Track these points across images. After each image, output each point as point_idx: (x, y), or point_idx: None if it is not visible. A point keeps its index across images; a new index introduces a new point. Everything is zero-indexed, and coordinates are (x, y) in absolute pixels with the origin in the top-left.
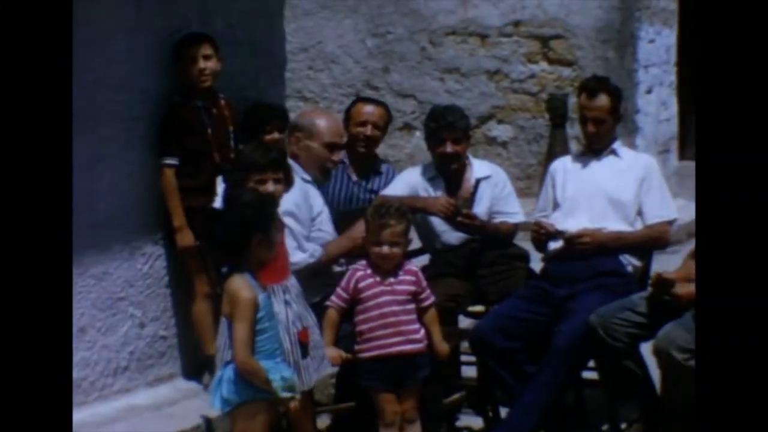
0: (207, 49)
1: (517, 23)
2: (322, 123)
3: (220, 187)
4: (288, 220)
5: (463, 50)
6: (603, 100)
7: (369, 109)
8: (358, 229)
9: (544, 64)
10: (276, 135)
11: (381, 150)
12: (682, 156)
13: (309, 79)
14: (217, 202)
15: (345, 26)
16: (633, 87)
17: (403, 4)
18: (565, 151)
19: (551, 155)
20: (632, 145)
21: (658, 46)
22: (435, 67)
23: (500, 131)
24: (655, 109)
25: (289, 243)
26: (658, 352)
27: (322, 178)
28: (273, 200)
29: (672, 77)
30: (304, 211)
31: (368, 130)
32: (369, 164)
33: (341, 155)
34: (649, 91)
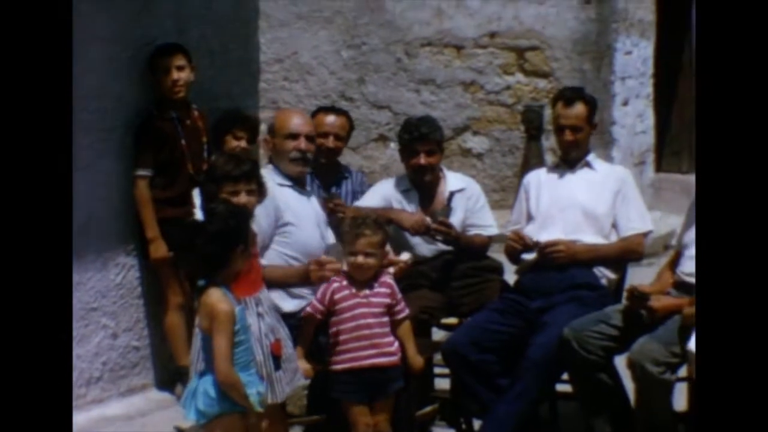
0: (180, 60)
1: (492, 34)
2: (280, 118)
3: (197, 198)
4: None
5: (439, 61)
6: (580, 108)
7: (330, 119)
8: (310, 268)
9: (519, 76)
10: (243, 144)
11: (356, 161)
12: (659, 168)
13: (284, 89)
14: (198, 214)
15: (320, 37)
16: (609, 99)
17: (379, 15)
18: (541, 163)
19: (526, 167)
20: (608, 157)
21: (634, 58)
22: (410, 78)
23: (475, 143)
24: (631, 121)
25: None
26: (632, 365)
27: (298, 172)
28: (248, 212)
29: (649, 89)
30: (263, 219)
31: (330, 141)
32: (333, 173)
33: (307, 144)
34: (625, 103)
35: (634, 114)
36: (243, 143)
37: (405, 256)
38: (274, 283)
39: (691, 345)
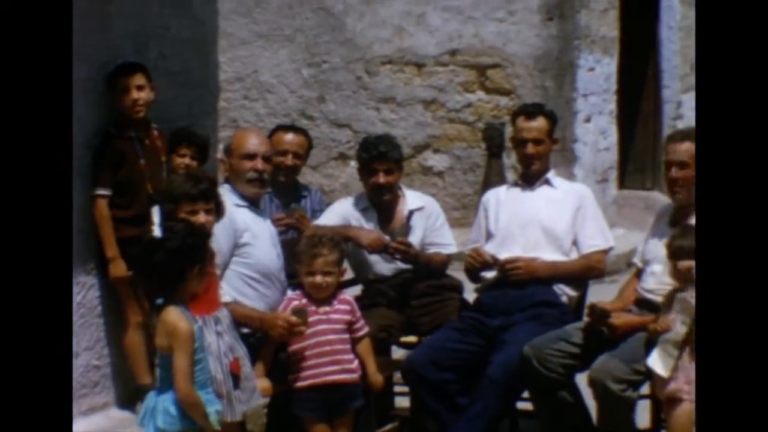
0: (140, 80)
1: (453, 52)
2: (237, 138)
3: (156, 217)
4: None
5: (399, 79)
6: (541, 121)
7: (289, 137)
8: (274, 314)
9: (480, 94)
10: (186, 161)
11: (316, 179)
12: (622, 185)
13: (245, 108)
14: (156, 232)
15: (281, 55)
16: (571, 116)
17: (339, 34)
18: (502, 180)
19: (487, 185)
20: (570, 175)
21: (597, 75)
22: (370, 96)
23: (436, 161)
24: (594, 138)
25: None
26: (593, 383)
27: (255, 192)
28: (207, 231)
29: (612, 106)
30: (223, 239)
31: (288, 159)
32: (292, 191)
33: (264, 165)
34: (588, 120)
35: (596, 131)
36: (186, 160)
37: None
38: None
39: (650, 362)
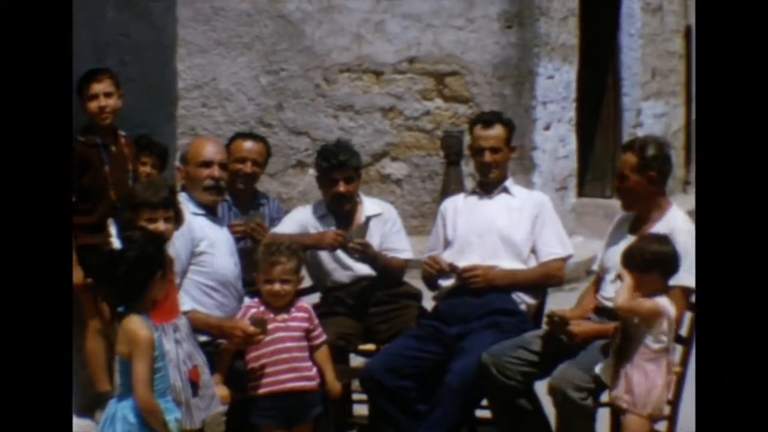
0: (108, 86)
1: (411, 60)
2: (193, 146)
3: (112, 227)
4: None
5: (357, 87)
6: (498, 129)
7: (248, 145)
8: (233, 322)
9: (439, 101)
10: (147, 169)
11: (274, 187)
12: (581, 193)
13: (203, 116)
14: (115, 244)
15: (239, 63)
16: (530, 123)
17: (297, 42)
18: (460, 188)
19: (446, 193)
20: (529, 182)
21: (556, 82)
22: (329, 104)
23: (394, 169)
24: (553, 146)
25: None
26: (553, 391)
27: (211, 200)
28: (165, 239)
29: (571, 113)
30: (182, 247)
31: (247, 167)
32: (250, 199)
33: (220, 172)
34: (547, 128)
35: (556, 138)
36: (148, 168)
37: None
38: (193, 328)
39: (597, 370)
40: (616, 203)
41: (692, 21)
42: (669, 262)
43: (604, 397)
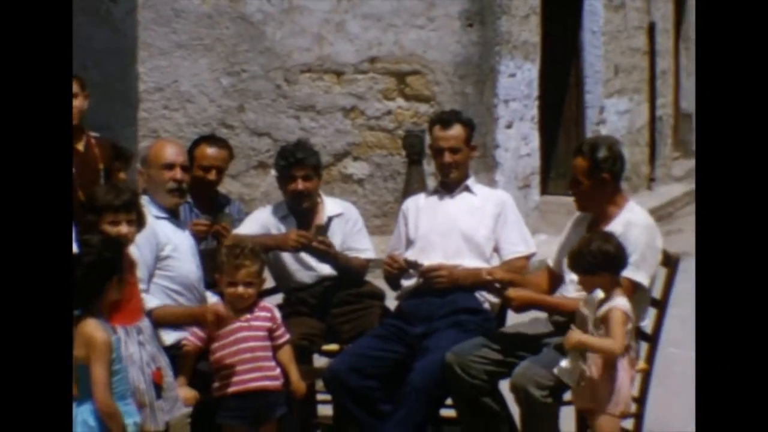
0: (74, 87)
1: (373, 60)
2: (155, 148)
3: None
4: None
5: (319, 87)
6: (457, 129)
7: (212, 152)
8: (202, 308)
9: (400, 101)
10: (122, 175)
11: (236, 188)
12: (544, 191)
13: (165, 118)
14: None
15: (200, 65)
16: (492, 122)
17: (258, 43)
18: (423, 187)
19: (408, 192)
20: (492, 181)
21: (519, 81)
22: (290, 104)
23: (356, 168)
24: (515, 144)
25: None
26: (515, 389)
27: (174, 203)
28: (126, 241)
29: (534, 111)
30: (147, 251)
31: (212, 174)
32: (213, 201)
33: (183, 174)
34: (509, 126)
35: (518, 137)
36: (120, 173)
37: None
38: (164, 324)
39: (557, 371)
40: None
41: (656, 17)
42: (615, 259)
43: (568, 396)
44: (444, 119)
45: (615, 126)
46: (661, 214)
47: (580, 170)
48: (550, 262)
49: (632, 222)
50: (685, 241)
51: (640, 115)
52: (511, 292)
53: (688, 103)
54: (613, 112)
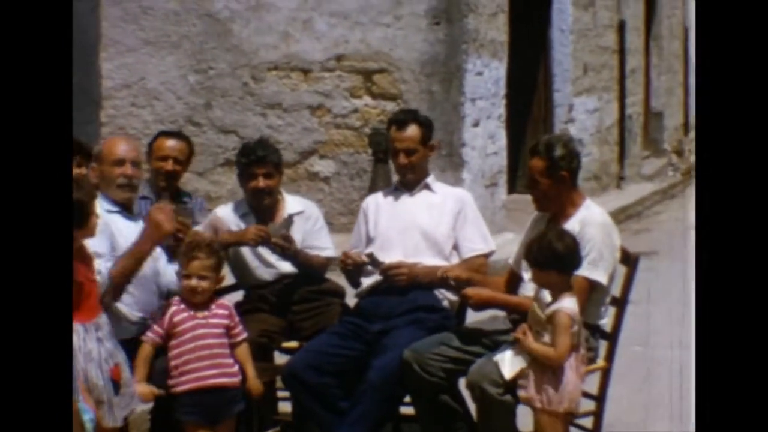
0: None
1: (339, 57)
2: (105, 145)
3: None
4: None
5: (285, 85)
6: (412, 130)
7: (170, 143)
8: (141, 244)
9: (367, 99)
10: (83, 170)
11: (203, 186)
12: (512, 189)
13: (132, 116)
14: None
15: (167, 62)
16: (459, 120)
17: (225, 40)
18: (389, 185)
19: (374, 190)
20: (459, 179)
21: (486, 79)
22: (257, 102)
23: (323, 166)
24: (482, 143)
25: None
26: (470, 386)
27: (125, 198)
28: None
29: (501, 110)
30: (100, 244)
31: (169, 164)
32: (173, 198)
33: (134, 170)
34: (476, 125)
35: (485, 135)
36: (84, 170)
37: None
38: (130, 272)
39: (497, 358)
40: None
41: (626, 15)
42: (563, 259)
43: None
44: (399, 120)
45: (584, 125)
46: (630, 213)
47: (538, 170)
48: (510, 261)
49: (588, 220)
50: (654, 240)
51: (610, 114)
52: (469, 291)
53: (658, 102)
54: (582, 111)
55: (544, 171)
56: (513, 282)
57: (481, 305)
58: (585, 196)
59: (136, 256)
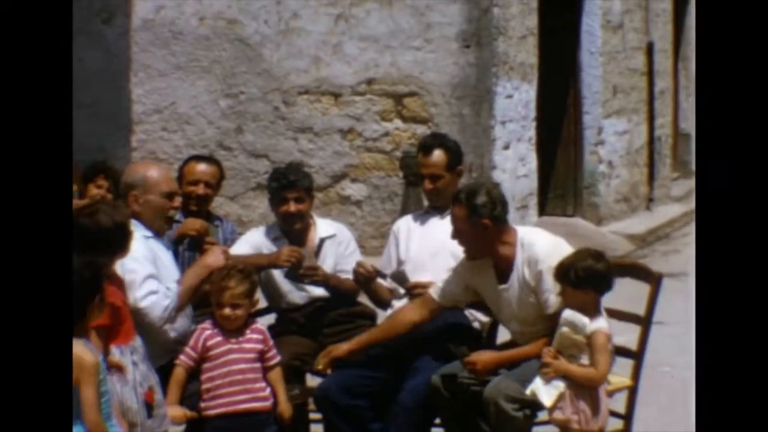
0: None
1: (370, 81)
2: (154, 175)
3: None
4: (146, 275)
5: (316, 109)
6: (438, 156)
7: (201, 167)
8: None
9: (398, 122)
10: (103, 192)
11: (234, 210)
12: (542, 211)
13: (163, 140)
14: None
15: (198, 87)
16: (489, 143)
17: (256, 64)
18: (420, 208)
19: (405, 213)
20: None
21: (516, 102)
22: (288, 126)
23: (354, 190)
24: (512, 165)
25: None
26: (487, 402)
27: (166, 228)
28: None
29: (531, 132)
30: (150, 268)
31: (200, 188)
32: (204, 219)
33: (179, 201)
34: (506, 147)
35: (515, 158)
36: (102, 191)
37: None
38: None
39: (533, 388)
40: (578, 221)
41: (654, 37)
42: (604, 278)
43: (543, 416)
44: (425, 145)
45: (613, 146)
46: (659, 235)
47: (458, 218)
48: (435, 295)
49: (534, 259)
50: (683, 261)
51: (639, 136)
52: (474, 357)
53: (687, 124)
54: (611, 133)
55: (465, 218)
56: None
57: (489, 371)
58: (516, 231)
59: (203, 273)
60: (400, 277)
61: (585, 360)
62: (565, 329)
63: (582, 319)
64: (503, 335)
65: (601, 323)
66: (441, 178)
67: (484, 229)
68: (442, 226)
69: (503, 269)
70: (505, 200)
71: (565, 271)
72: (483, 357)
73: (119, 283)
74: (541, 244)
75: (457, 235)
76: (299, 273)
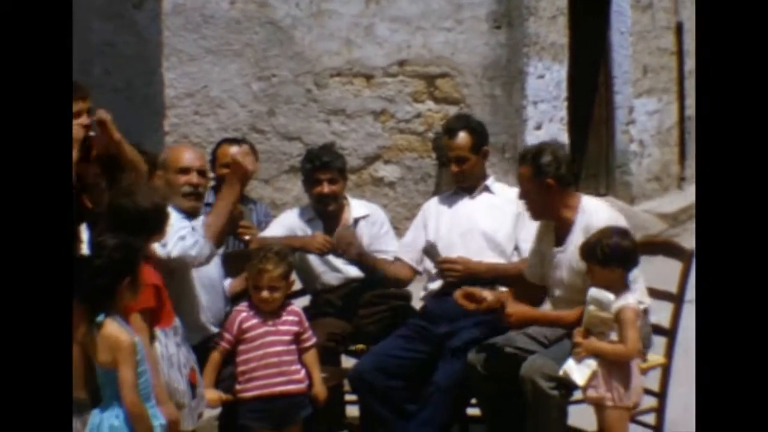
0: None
1: (402, 63)
2: (170, 153)
3: (85, 234)
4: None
5: (349, 91)
6: (462, 138)
7: (233, 150)
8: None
9: (430, 103)
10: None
11: (268, 193)
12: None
13: (195, 124)
14: (85, 250)
15: (230, 70)
16: (521, 123)
17: (288, 47)
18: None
19: (438, 194)
20: None
21: (547, 82)
22: (320, 108)
23: (387, 171)
24: None
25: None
26: (523, 381)
27: (189, 207)
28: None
29: (563, 113)
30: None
31: None
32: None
33: (199, 179)
34: (538, 127)
35: (547, 138)
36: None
37: None
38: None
39: (566, 369)
40: (611, 201)
41: (683, 17)
42: (630, 255)
43: (578, 395)
44: (450, 128)
45: (644, 126)
46: (691, 213)
47: (524, 177)
48: (528, 275)
49: (592, 227)
50: None
51: (670, 115)
52: (510, 309)
53: None
54: (642, 112)
55: (530, 178)
56: (533, 292)
57: (522, 323)
58: (580, 196)
59: (225, 209)
60: (432, 251)
61: (614, 336)
62: (591, 307)
63: (608, 296)
64: None
65: (629, 299)
66: (467, 160)
67: (548, 188)
68: (472, 206)
69: (562, 232)
70: (570, 161)
71: (591, 249)
72: (518, 309)
73: (159, 265)
74: (601, 214)
75: (523, 195)
76: (336, 248)
